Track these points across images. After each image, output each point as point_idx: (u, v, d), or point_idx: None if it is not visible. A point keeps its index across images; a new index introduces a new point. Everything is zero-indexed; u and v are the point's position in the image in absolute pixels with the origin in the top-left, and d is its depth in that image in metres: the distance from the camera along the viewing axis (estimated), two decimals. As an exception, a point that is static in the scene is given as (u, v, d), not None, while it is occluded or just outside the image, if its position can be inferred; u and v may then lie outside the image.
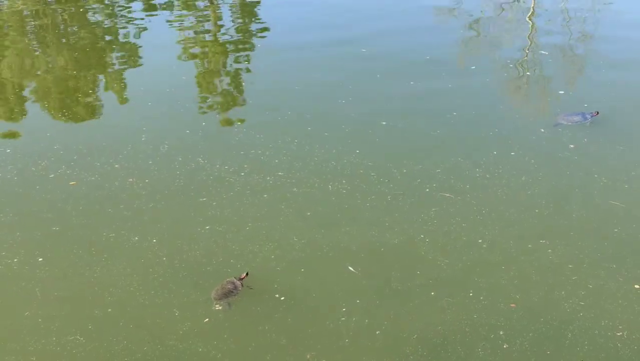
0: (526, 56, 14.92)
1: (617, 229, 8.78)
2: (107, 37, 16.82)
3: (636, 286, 7.77)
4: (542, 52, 15.14)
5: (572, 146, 10.72)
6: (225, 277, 8.04)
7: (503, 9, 18.67)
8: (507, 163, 10.33)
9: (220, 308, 7.76)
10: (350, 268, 8.18)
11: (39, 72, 14.61)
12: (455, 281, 7.97)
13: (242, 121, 11.93)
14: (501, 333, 7.21)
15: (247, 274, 8.05)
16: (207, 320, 7.56)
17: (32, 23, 17.93)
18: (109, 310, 7.71)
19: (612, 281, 7.89)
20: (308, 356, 7.08)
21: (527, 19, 17.62)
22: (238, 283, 7.89)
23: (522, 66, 14.43)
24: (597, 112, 11.42)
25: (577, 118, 11.29)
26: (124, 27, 17.51)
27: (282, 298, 7.86)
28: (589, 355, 6.93)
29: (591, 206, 9.28)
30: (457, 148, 10.84)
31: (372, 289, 7.90)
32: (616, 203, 9.28)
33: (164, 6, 19.49)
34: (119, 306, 7.76)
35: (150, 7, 19.39)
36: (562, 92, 12.96)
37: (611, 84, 13.26)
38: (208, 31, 17.43)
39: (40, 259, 8.45)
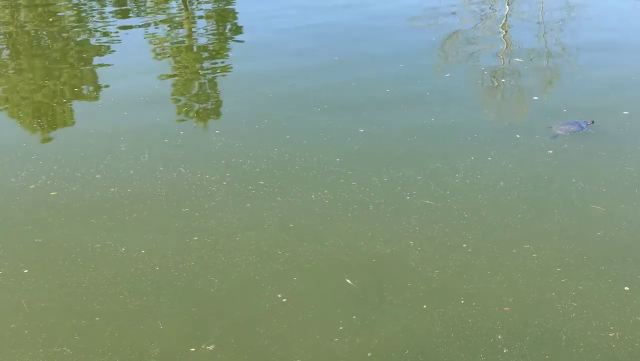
0: (501, 64, 15.06)
1: (600, 232, 8.88)
2: (79, 46, 16.71)
3: (626, 288, 7.87)
4: (517, 59, 15.29)
5: (550, 151, 10.84)
6: (224, 293, 8.06)
7: (477, 18, 18.85)
8: (484, 168, 10.42)
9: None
10: (348, 281, 8.17)
11: (10, 83, 14.47)
12: (445, 289, 7.98)
13: (220, 129, 11.90)
14: (499, 337, 7.26)
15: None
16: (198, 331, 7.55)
17: (1, 32, 17.78)
18: (97, 318, 7.64)
19: (602, 282, 7.98)
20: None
21: (501, 27, 17.80)
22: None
23: (496, 73, 14.58)
24: (593, 121, 11.54)
25: (574, 128, 11.39)
26: (96, 36, 17.45)
27: (285, 300, 7.88)
28: (586, 357, 7.00)
29: (572, 210, 9.37)
30: (435, 154, 10.91)
31: (366, 304, 7.84)
32: (597, 206, 9.40)
33: (137, 14, 19.44)
34: (106, 314, 7.69)
35: (123, 16, 19.34)
36: (536, 98, 13.11)
37: (585, 91, 13.42)
38: (182, 39, 17.41)
39: (25, 271, 8.35)
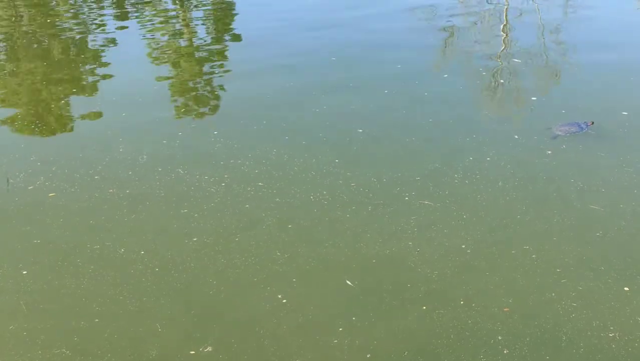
0: (499, 65, 15.07)
1: (599, 233, 8.86)
2: (78, 48, 16.71)
3: (626, 288, 7.86)
4: (515, 60, 15.29)
5: (549, 152, 10.83)
6: (223, 294, 8.03)
7: (476, 20, 18.86)
8: (483, 169, 10.40)
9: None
10: (348, 282, 8.15)
11: (8, 84, 14.45)
12: (444, 290, 7.95)
13: (218, 130, 11.86)
14: (499, 338, 7.24)
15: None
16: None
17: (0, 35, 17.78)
18: (96, 320, 7.62)
19: (602, 283, 7.96)
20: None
21: (500, 28, 17.81)
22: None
23: (495, 74, 14.57)
24: (593, 122, 11.51)
25: (574, 129, 11.36)
26: (94, 38, 17.45)
27: (284, 301, 7.86)
28: (585, 357, 6.99)
29: (571, 210, 9.36)
30: (434, 155, 10.90)
31: (365, 305, 7.81)
32: (596, 207, 9.39)
33: (135, 17, 19.45)
34: (105, 316, 7.67)
35: (121, 18, 19.36)
36: (535, 98, 13.09)
37: (584, 91, 13.43)
38: (181, 40, 17.40)
39: (24, 272, 8.34)
